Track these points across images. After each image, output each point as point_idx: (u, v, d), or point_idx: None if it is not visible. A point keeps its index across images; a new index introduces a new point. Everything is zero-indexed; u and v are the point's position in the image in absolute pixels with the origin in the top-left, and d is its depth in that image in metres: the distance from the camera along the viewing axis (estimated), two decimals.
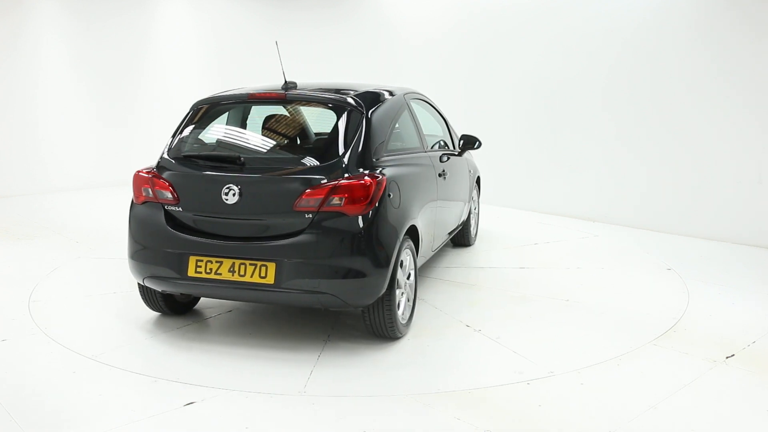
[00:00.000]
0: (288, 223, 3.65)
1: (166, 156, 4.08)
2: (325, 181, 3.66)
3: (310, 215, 3.62)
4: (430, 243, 4.71)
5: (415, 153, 4.61)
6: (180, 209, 3.86)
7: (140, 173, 4.05)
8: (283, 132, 4.34)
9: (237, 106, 4.42)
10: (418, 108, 5.14)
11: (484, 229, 6.91)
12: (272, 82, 4.69)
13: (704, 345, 4.03)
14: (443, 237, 5.19)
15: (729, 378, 3.61)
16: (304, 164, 3.82)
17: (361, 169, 3.77)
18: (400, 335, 4.04)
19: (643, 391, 3.42)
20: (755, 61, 6.32)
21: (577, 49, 7.65)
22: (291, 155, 4.13)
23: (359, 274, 3.64)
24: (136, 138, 9.95)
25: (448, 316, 4.46)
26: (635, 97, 7.24)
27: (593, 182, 7.69)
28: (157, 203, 3.93)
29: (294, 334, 4.14)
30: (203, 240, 3.76)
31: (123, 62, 9.92)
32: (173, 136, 4.23)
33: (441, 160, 5.20)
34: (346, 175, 3.69)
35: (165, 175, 3.95)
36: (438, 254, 5.91)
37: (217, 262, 3.72)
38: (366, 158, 3.83)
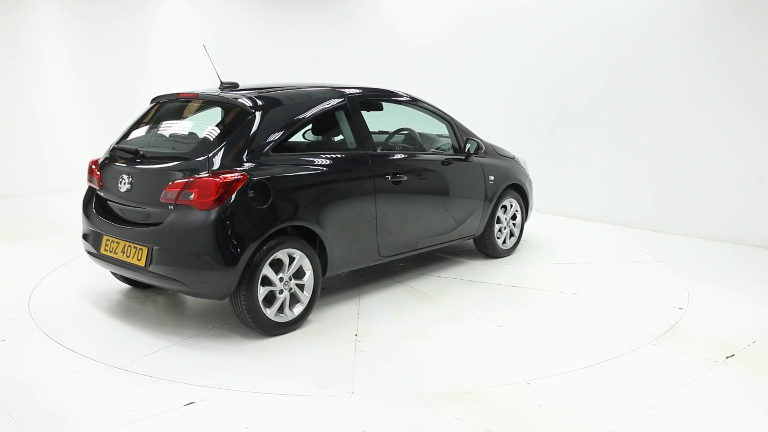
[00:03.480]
0: (157, 213, 4.00)
1: (109, 148, 4.62)
2: (185, 176, 3.90)
3: (171, 207, 3.91)
4: (360, 248, 4.60)
5: (338, 154, 4.52)
6: (102, 195, 4.46)
7: (90, 163, 4.64)
8: (184, 129, 4.51)
9: (170, 105, 4.69)
10: (391, 110, 5.18)
11: (540, 241, 6.57)
12: (264, 82, 4.93)
13: (704, 345, 4.03)
14: (405, 244, 4.98)
15: (729, 378, 3.61)
16: (177, 160, 4.07)
17: (227, 167, 3.90)
18: (273, 333, 4.09)
19: (643, 391, 3.42)
20: (755, 60, 6.33)
21: (577, 49, 7.66)
22: (176, 151, 4.24)
23: (203, 267, 3.84)
24: None
25: (356, 322, 4.37)
26: (636, 97, 7.24)
27: (593, 182, 7.70)
28: (92, 189, 4.58)
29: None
30: (109, 223, 4.29)
31: (123, 63, 9.93)
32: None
33: (443, 164, 5.22)
34: (205, 171, 3.87)
35: (100, 164, 4.53)
36: (446, 262, 5.80)
37: (116, 242, 4.21)
38: (237, 157, 3.96)
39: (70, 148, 9.38)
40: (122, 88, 9.88)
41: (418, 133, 5.56)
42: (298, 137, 4.43)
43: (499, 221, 5.86)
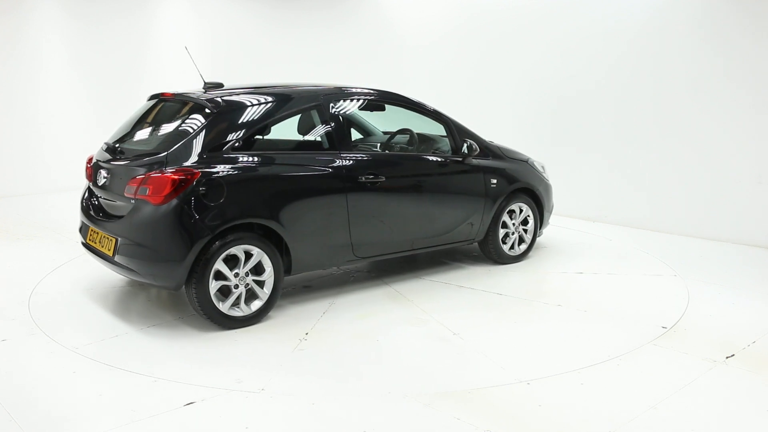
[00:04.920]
0: (122, 206, 4.23)
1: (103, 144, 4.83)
2: (144, 172, 4.08)
3: (133, 201, 4.10)
4: (331, 248, 4.61)
5: (306, 154, 4.60)
6: (91, 188, 4.69)
7: (88, 158, 4.85)
8: (156, 127, 4.61)
9: (155, 103, 4.81)
10: (388, 111, 5.23)
11: (561, 246, 6.35)
12: (259, 82, 5.04)
13: (704, 345, 4.03)
14: (386, 245, 4.94)
15: (729, 378, 3.61)
16: (144, 156, 4.24)
17: (183, 164, 4.05)
18: (227, 326, 4.20)
19: (643, 391, 3.42)
20: (756, 60, 6.33)
21: (578, 49, 7.66)
22: (145, 148, 4.41)
23: (154, 259, 4.06)
24: None
25: (315, 321, 4.38)
26: (636, 97, 7.24)
27: (593, 182, 7.70)
28: (87, 183, 4.80)
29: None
30: (93, 214, 4.54)
31: (123, 63, 9.93)
32: None
33: (434, 165, 5.16)
34: (162, 167, 4.04)
35: (93, 159, 4.72)
36: (447, 266, 5.65)
37: (96, 233, 4.46)
38: (194, 154, 4.10)
39: (70, 148, 9.36)
40: (122, 89, 9.87)
41: (418, 133, 5.52)
42: (265, 136, 4.55)
43: (505, 226, 5.64)
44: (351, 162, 4.67)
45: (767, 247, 6.40)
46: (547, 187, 6.01)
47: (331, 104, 4.74)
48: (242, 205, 4.16)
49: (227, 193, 4.09)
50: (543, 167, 6.11)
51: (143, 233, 4.05)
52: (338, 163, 4.61)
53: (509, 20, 8.28)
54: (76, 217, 6.87)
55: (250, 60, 10.67)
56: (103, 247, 4.34)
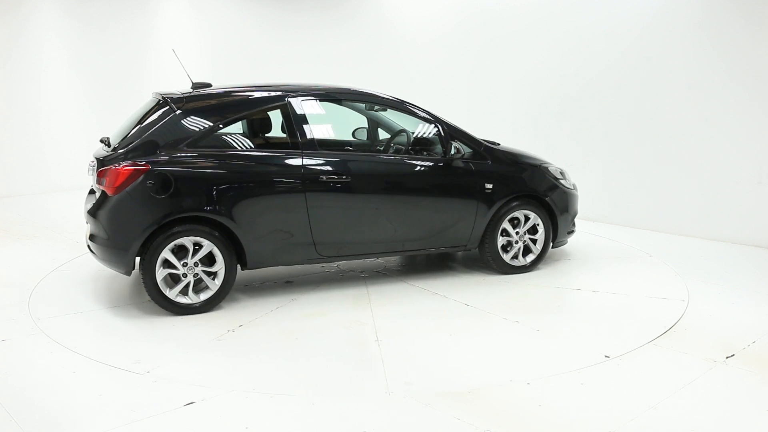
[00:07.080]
0: (96, 197, 4.54)
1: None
2: (107, 164, 4.39)
3: (102, 191, 4.42)
4: (290, 245, 4.67)
5: (265, 152, 4.72)
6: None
7: None
8: (136, 124, 4.72)
9: (150, 102, 4.93)
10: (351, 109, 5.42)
11: (583, 254, 6.08)
12: (254, 83, 5.18)
13: (704, 345, 4.03)
14: (357, 246, 4.92)
15: (729, 378, 3.61)
16: (117, 149, 4.47)
17: (137, 158, 4.33)
18: (177, 312, 4.43)
19: (643, 391, 3.42)
20: (756, 60, 6.32)
21: (578, 49, 7.66)
22: (120, 143, 4.57)
23: (106, 245, 4.40)
24: None
25: (259, 315, 4.46)
26: (636, 96, 7.24)
27: (594, 182, 7.69)
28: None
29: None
30: (87, 204, 4.74)
31: (123, 64, 9.94)
32: None
33: (415, 167, 5.06)
34: (120, 161, 4.34)
35: None
36: (442, 271, 5.51)
37: (88, 222, 4.68)
38: (150, 149, 4.38)
39: (70, 148, 9.38)
40: (122, 89, 9.88)
41: (408, 132, 5.46)
42: (228, 134, 4.74)
43: (507, 234, 5.35)
44: (312, 161, 4.69)
45: (767, 247, 6.40)
46: (564, 195, 5.53)
47: (296, 104, 4.79)
48: (189, 199, 4.37)
49: (175, 187, 4.31)
50: (563, 173, 5.69)
51: (101, 221, 4.39)
52: (298, 162, 4.65)
53: (510, 20, 8.28)
54: (76, 217, 6.87)
55: (250, 61, 10.68)
56: (88, 234, 4.64)
